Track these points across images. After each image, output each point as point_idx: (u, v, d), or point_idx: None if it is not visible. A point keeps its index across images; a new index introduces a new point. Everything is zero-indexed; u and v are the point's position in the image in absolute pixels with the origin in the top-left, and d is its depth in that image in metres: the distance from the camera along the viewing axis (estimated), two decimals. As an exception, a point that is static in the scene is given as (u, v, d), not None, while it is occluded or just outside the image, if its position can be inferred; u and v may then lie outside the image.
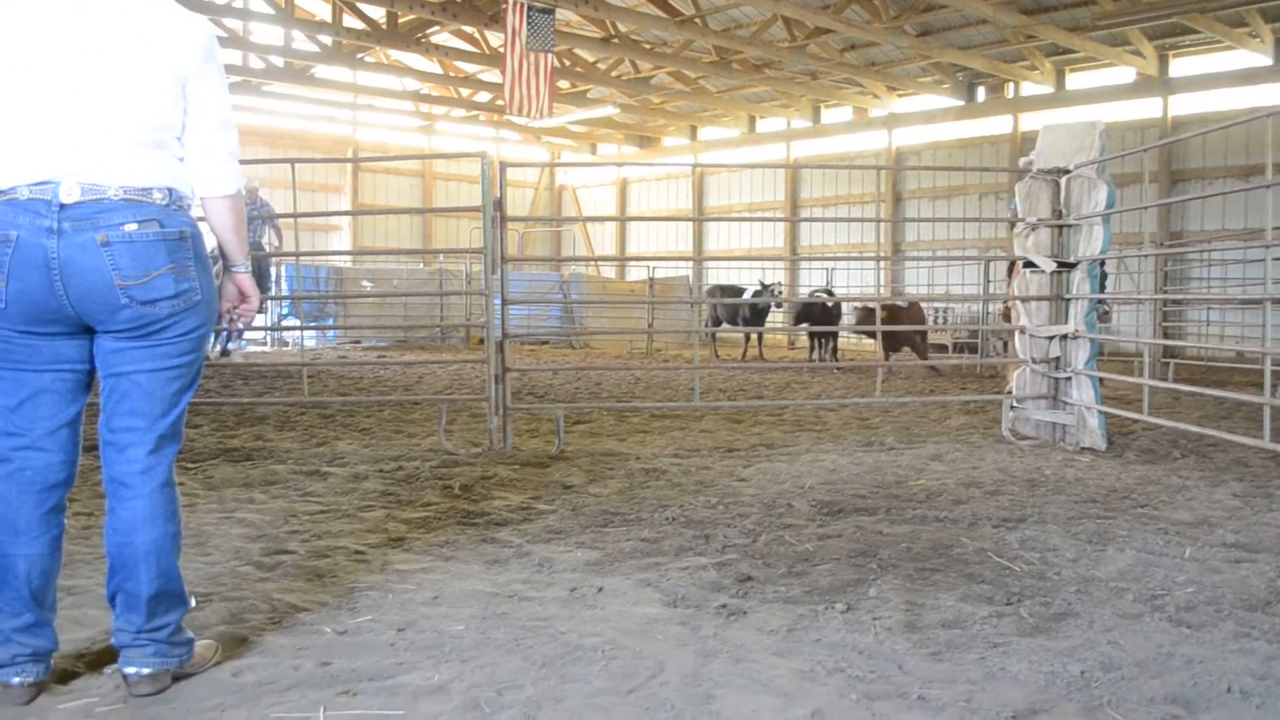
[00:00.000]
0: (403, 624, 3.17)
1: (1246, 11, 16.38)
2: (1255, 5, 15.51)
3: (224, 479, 5.67)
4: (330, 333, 18.13)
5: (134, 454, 2.69)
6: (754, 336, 17.90)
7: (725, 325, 17.79)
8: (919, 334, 13.62)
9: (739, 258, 13.57)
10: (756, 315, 17.63)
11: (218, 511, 4.82)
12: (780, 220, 11.21)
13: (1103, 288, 8.04)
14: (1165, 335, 15.42)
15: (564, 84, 22.42)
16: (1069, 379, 7.01)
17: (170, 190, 2.66)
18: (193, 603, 2.98)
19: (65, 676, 2.73)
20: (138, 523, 2.67)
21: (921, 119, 23.04)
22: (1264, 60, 17.62)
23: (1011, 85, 21.42)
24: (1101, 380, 7.11)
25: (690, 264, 24.11)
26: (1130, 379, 7.63)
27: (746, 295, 15.94)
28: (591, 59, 22.68)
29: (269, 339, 18.67)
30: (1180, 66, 19.10)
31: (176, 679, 2.69)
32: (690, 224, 27.22)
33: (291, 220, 7.87)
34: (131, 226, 2.56)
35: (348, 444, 7.09)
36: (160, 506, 2.70)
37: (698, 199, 27.95)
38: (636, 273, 28.03)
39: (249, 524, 4.56)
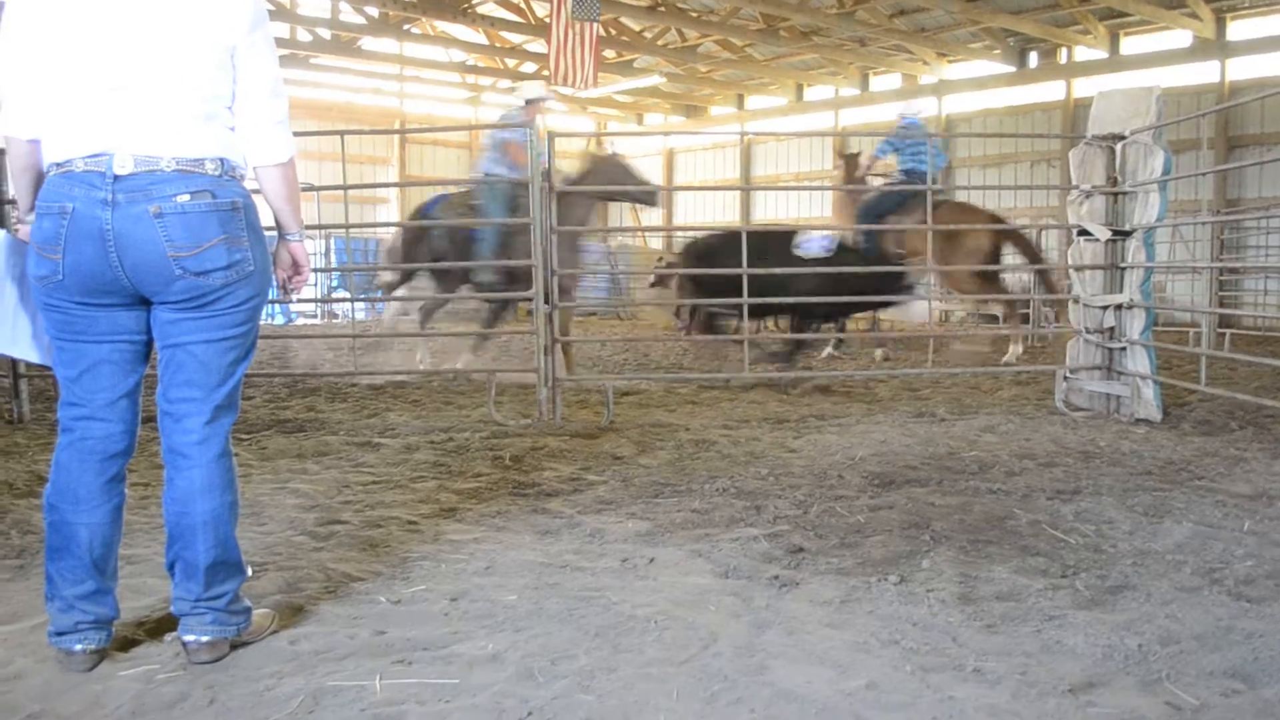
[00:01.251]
0: (456, 594, 3.19)
1: (1309, -29, 15.97)
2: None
3: (277, 450, 5.74)
4: (380, 305, 18.21)
5: (191, 424, 2.72)
6: None
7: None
8: None
9: (787, 227, 13.46)
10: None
11: (272, 482, 4.88)
12: (828, 189, 11.15)
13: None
14: (1222, 304, 15.15)
15: (610, 53, 22.34)
16: (1124, 349, 6.90)
17: (223, 160, 2.67)
18: (250, 572, 3.02)
19: (126, 644, 2.79)
20: (195, 492, 2.71)
21: (972, 86, 22.69)
22: (1326, 21, 17.19)
23: (1064, 50, 21.03)
24: (1157, 350, 7.00)
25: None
26: (1186, 349, 7.50)
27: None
28: (637, 28, 22.55)
29: (319, 311, 18.85)
30: (1238, 29, 18.66)
31: (234, 647, 2.73)
32: (737, 194, 27.10)
33: (341, 193, 7.96)
34: (184, 197, 2.58)
35: (399, 415, 7.15)
36: (217, 476, 2.74)
37: (745, 168, 27.77)
38: (684, 243, 27.91)
39: (303, 494, 4.61)
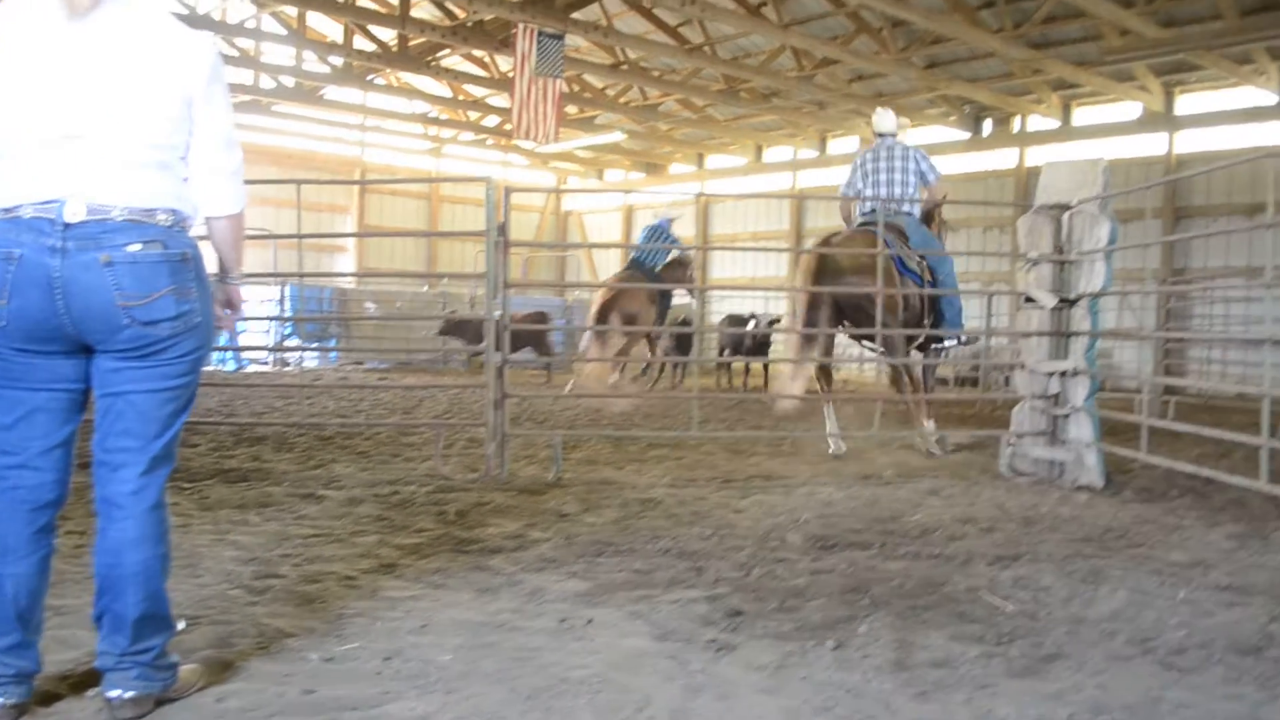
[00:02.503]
0: (390, 652, 3.16)
1: (1253, 49, 16.44)
2: (1262, 43, 15.56)
3: (219, 500, 5.67)
4: (332, 354, 18.16)
5: (127, 474, 2.69)
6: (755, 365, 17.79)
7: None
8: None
9: (743, 286, 13.58)
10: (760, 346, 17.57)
11: (211, 533, 4.82)
12: (785, 250, 11.33)
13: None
14: (1167, 372, 15.41)
15: (572, 109, 22.52)
16: (1068, 416, 7.00)
17: (174, 211, 2.68)
18: (180, 626, 2.99)
19: (48, 698, 2.73)
20: (127, 544, 2.68)
21: (928, 151, 23.05)
22: (1270, 98, 17.67)
23: (1018, 119, 21.50)
24: (1100, 417, 7.10)
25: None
26: (1129, 417, 7.61)
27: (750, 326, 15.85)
28: (600, 85, 22.79)
29: (271, 359, 18.70)
30: (1186, 103, 19.17)
31: (159, 703, 2.69)
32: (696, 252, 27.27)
33: (295, 241, 7.97)
34: (135, 247, 2.58)
35: (344, 466, 7.09)
36: (151, 528, 2.71)
37: (703, 227, 28.02)
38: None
39: (241, 546, 4.56)
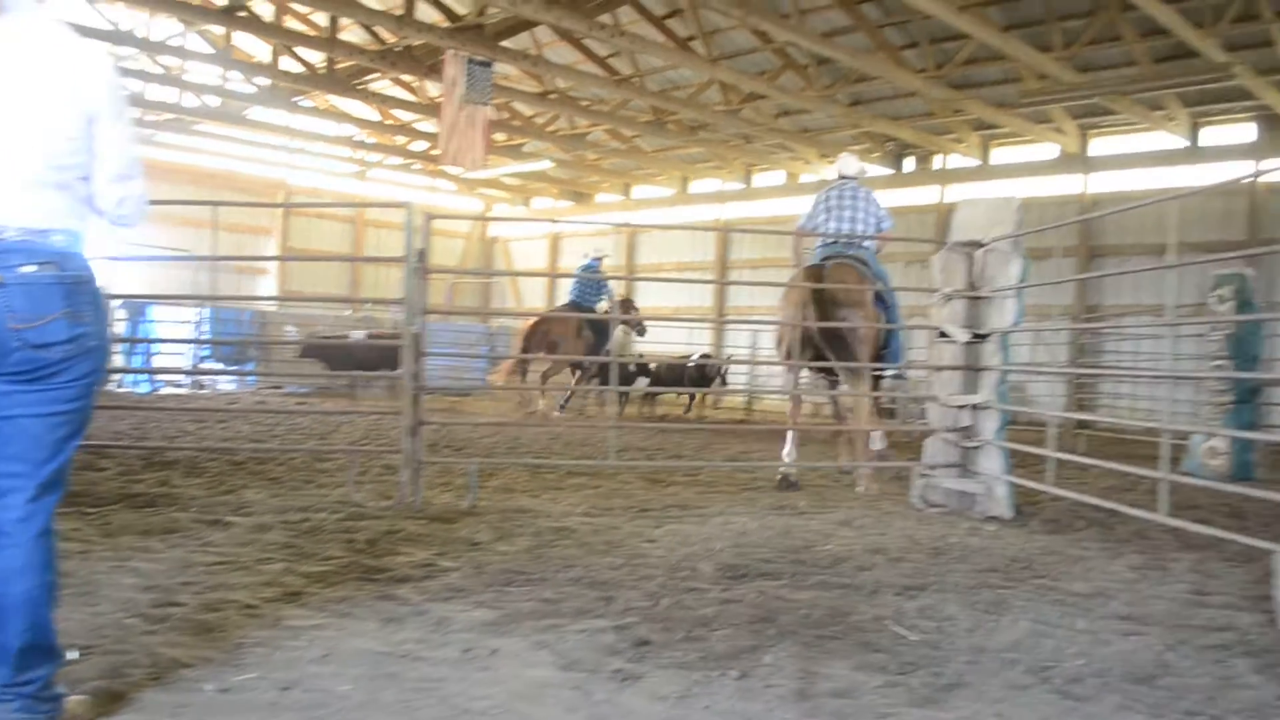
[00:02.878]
0: (288, 683, 3.10)
1: (1165, 95, 16.97)
2: (1173, 90, 16.06)
3: (122, 525, 5.53)
4: (250, 378, 17.88)
5: (14, 500, 2.63)
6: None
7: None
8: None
9: (667, 317, 13.62)
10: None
11: (111, 560, 4.69)
12: (710, 282, 11.36)
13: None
14: (1080, 407, 15.74)
15: (500, 136, 22.55)
16: (978, 448, 7.12)
17: (70, 233, 2.63)
18: (72, 655, 2.91)
19: (-75, 732, 2.64)
20: (13, 572, 2.61)
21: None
22: (1180, 143, 18.25)
23: (939, 157, 21.94)
24: (1010, 450, 7.23)
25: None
26: (1037, 450, 7.76)
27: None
28: (529, 113, 22.84)
29: (187, 383, 18.36)
30: (1100, 146, 19.72)
31: (44, 736, 2.61)
32: (620, 281, 27.35)
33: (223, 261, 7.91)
34: (29, 268, 2.52)
35: (255, 493, 6.96)
36: (37, 556, 2.64)
37: (629, 256, 28.12)
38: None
39: (142, 574, 4.44)
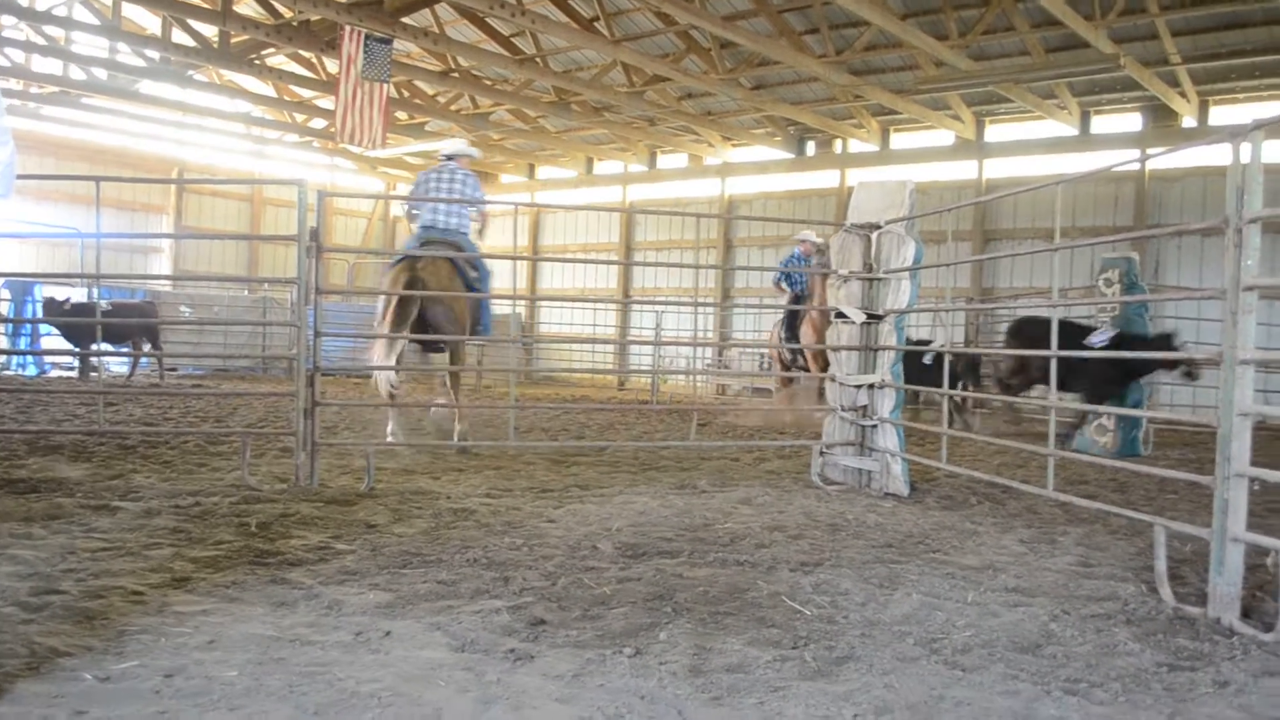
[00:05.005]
0: (172, 670, 3.02)
1: (1057, 85, 17.40)
2: (1064, 80, 16.46)
3: (3, 512, 5.33)
4: (144, 359, 17.41)
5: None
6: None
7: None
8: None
9: (572, 298, 13.62)
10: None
11: (-11, 547, 4.53)
12: (614, 263, 11.26)
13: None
14: (978, 386, 16.09)
15: (401, 115, 22.22)
16: (875, 427, 7.23)
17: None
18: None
19: None
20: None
21: (754, 169, 23.67)
22: (1071, 131, 18.74)
23: (840, 141, 22.21)
24: (906, 428, 7.36)
25: (523, 302, 24.09)
26: (932, 428, 7.92)
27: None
28: (431, 92, 22.54)
29: (76, 364, 17.82)
30: (995, 132, 20.16)
31: (-91, 729, 2.51)
32: (524, 262, 27.23)
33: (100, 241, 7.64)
34: None
35: (145, 477, 6.78)
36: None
37: (533, 237, 27.98)
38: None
39: (21, 561, 4.29)
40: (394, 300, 8.24)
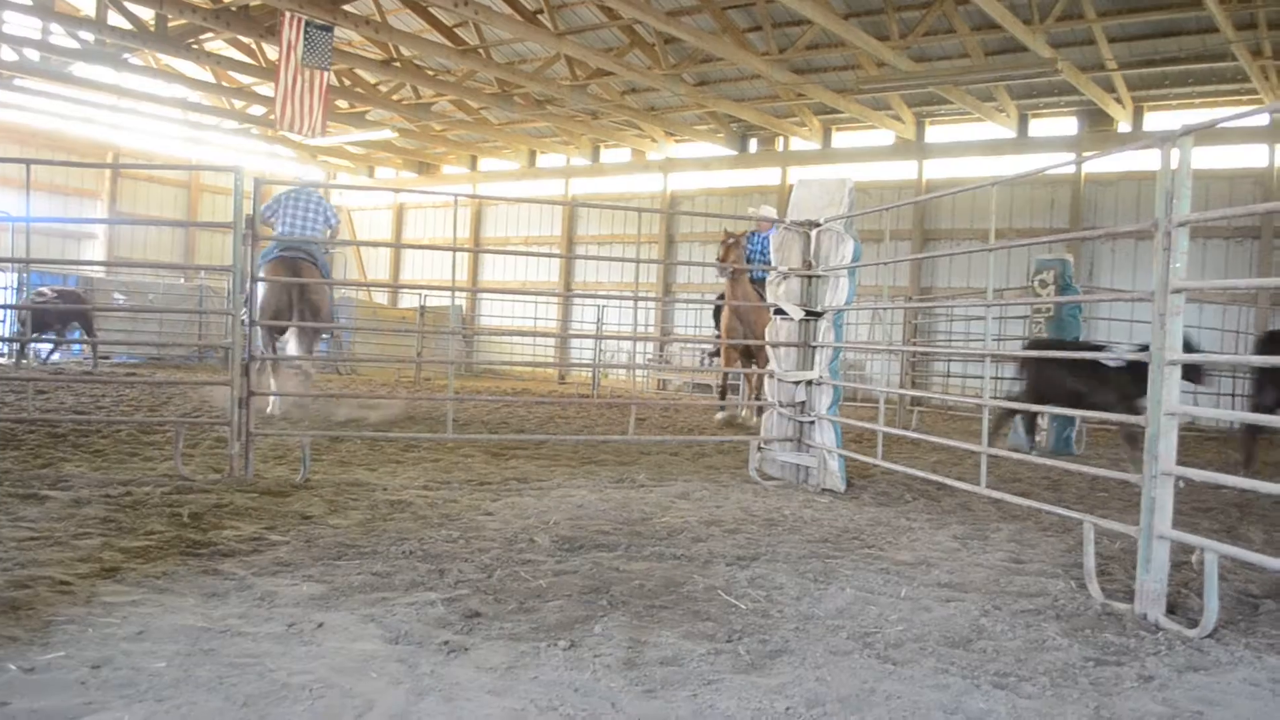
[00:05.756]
0: (99, 660, 2.97)
1: (995, 88, 17.65)
2: (1002, 82, 16.70)
3: (-75, 500, 5.22)
4: (75, 347, 17.08)
5: None
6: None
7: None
8: None
9: (514, 290, 13.57)
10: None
11: (-90, 536, 4.43)
12: (556, 256, 11.23)
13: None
14: (914, 384, 16.30)
15: (342, 104, 21.99)
16: (813, 423, 7.29)
17: None
18: None
19: None
20: None
21: (697, 165, 23.73)
22: (1009, 134, 19.01)
23: (782, 139, 22.34)
24: (844, 425, 7.43)
25: (464, 293, 23.96)
26: (868, 425, 8.00)
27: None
28: (372, 80, 22.32)
29: (6, 350, 17.45)
30: (935, 133, 20.40)
31: None
32: (466, 254, 27.10)
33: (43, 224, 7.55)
34: None
35: (75, 466, 6.66)
36: None
37: (475, 229, 27.83)
38: (409, 300, 27.62)
39: (-56, 551, 4.21)
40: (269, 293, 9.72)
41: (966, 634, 3.69)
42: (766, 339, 7.83)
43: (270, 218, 10.42)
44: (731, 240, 11.71)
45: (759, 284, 11.59)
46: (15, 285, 17.93)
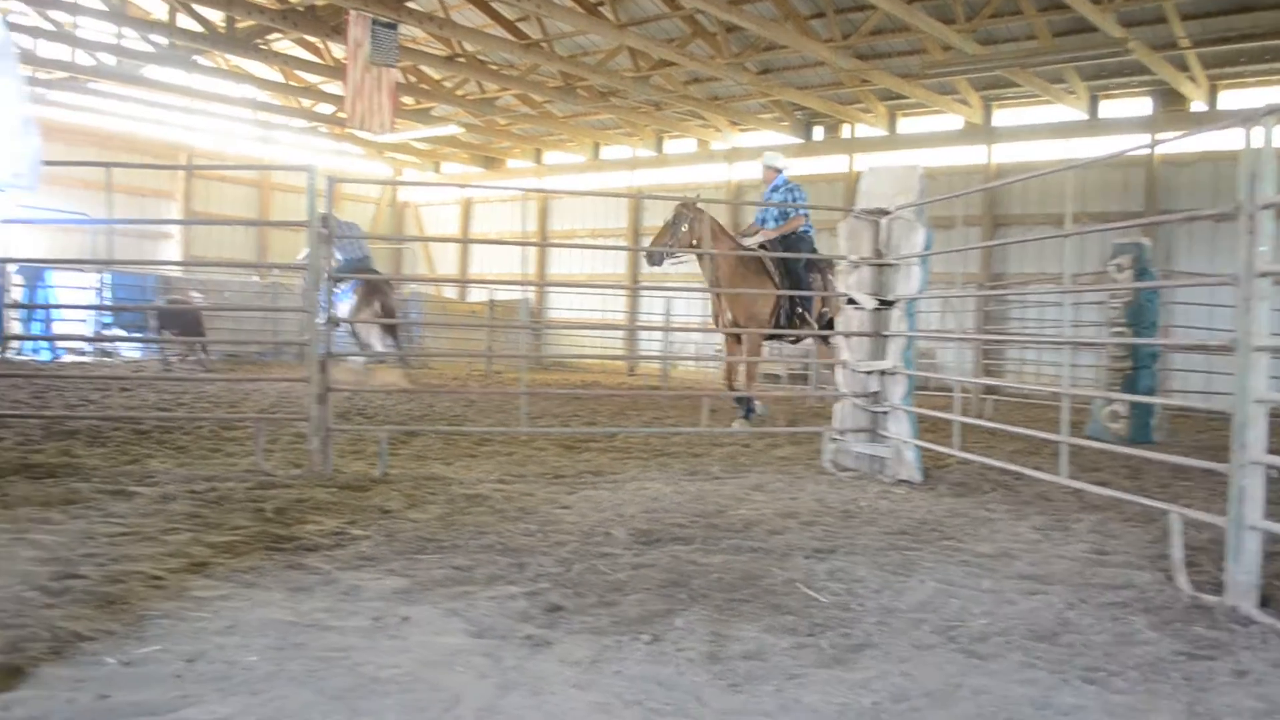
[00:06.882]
0: (193, 654, 3.04)
1: (1065, 69, 17.33)
2: (1072, 64, 16.39)
3: (21, 497, 5.36)
4: (155, 346, 17.46)
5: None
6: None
7: None
8: None
9: (581, 283, 13.61)
10: None
11: (9, 532, 4.55)
12: (623, 249, 11.12)
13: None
14: (987, 373, 16.09)
15: (408, 100, 22.18)
16: (887, 413, 7.23)
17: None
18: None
19: None
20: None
21: (761, 154, 23.57)
22: (1080, 115, 18.66)
23: (847, 126, 22.14)
24: (919, 415, 7.35)
25: (531, 287, 24.08)
26: (944, 414, 7.91)
27: None
28: (437, 76, 22.50)
29: (91, 350, 17.88)
30: (1003, 117, 20.09)
31: (-63, 713, 2.53)
32: (534, 248, 27.22)
33: (111, 227, 7.71)
34: None
35: (161, 462, 6.81)
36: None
37: (541, 223, 27.95)
38: (478, 294, 27.83)
39: (41, 546, 4.31)
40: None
41: (1052, 627, 3.64)
42: (839, 329, 7.77)
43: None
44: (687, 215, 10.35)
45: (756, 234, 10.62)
46: (98, 286, 18.37)
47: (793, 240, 10.26)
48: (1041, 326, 16.65)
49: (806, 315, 10.22)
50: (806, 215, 10.43)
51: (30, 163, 2.70)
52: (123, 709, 2.63)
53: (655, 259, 10.42)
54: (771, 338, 10.72)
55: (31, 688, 2.75)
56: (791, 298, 10.07)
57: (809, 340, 10.63)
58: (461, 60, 20.35)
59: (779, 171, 10.72)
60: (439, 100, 22.53)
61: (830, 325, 9.84)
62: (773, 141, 23.12)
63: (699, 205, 10.14)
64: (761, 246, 10.38)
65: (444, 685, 2.86)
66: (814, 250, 10.60)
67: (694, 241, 10.17)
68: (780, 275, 10.11)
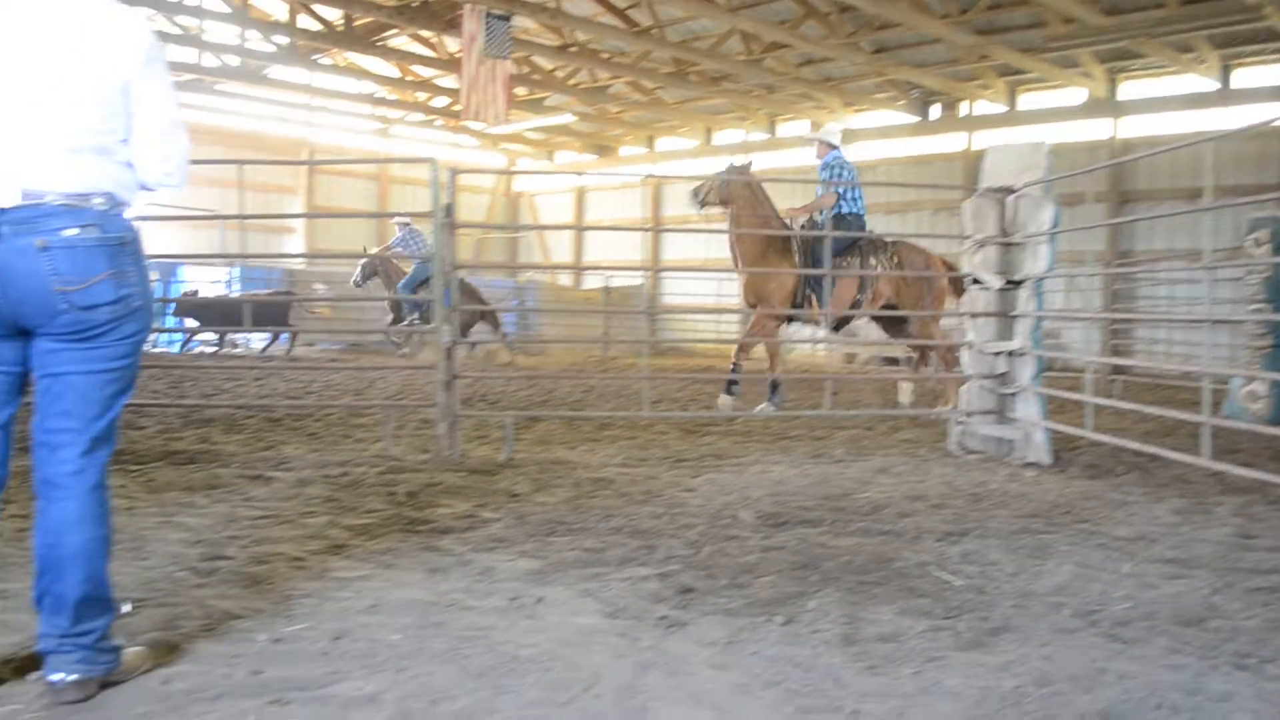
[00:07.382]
0: (338, 632, 3.13)
1: (1194, 38, 16.68)
2: (1202, 32, 15.78)
3: (166, 482, 5.59)
4: (283, 335, 17.97)
5: (66, 455, 2.65)
6: None
7: None
8: None
9: (695, 268, 13.58)
10: None
11: (157, 515, 4.75)
12: (739, 232, 11.07)
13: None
14: (1114, 352, 15.63)
15: (521, 91, 22.39)
16: (1015, 395, 7.07)
17: (110, 195, 2.64)
18: (124, 609, 2.94)
19: (-11, 683, 2.68)
20: (68, 524, 2.64)
21: (876, 134, 23.25)
22: (1211, 85, 17.95)
23: (965, 104, 21.68)
24: (1048, 396, 7.18)
25: (646, 272, 24.16)
26: (1075, 395, 7.71)
27: None
28: (549, 67, 22.68)
29: (220, 341, 18.48)
30: (1129, 89, 19.44)
31: (104, 686, 2.64)
32: (648, 233, 27.30)
33: (238, 222, 8.06)
34: (71, 231, 2.55)
35: (294, 448, 7.02)
36: (91, 509, 2.67)
37: (654, 209, 28.00)
38: (593, 281, 28.02)
39: (188, 528, 4.50)
40: None
41: (1199, 612, 3.52)
42: (964, 309, 7.63)
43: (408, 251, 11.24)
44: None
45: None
46: (227, 279, 19.00)
47: (836, 222, 9.64)
48: (1172, 305, 16.10)
49: (814, 299, 9.61)
50: (843, 195, 9.78)
51: (179, 163, 2.80)
52: (275, 684, 2.72)
53: (696, 201, 10.75)
54: (790, 319, 10.33)
55: (190, 663, 2.87)
56: (805, 280, 9.62)
57: (912, 324, 9.94)
58: (573, 49, 20.47)
59: (833, 148, 10.20)
60: (552, 90, 22.72)
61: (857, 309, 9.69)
62: (887, 121, 22.77)
63: (747, 170, 10.41)
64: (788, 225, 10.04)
65: (582, 664, 2.89)
66: (863, 230, 10.02)
67: (723, 201, 10.20)
68: (802, 256, 9.70)
